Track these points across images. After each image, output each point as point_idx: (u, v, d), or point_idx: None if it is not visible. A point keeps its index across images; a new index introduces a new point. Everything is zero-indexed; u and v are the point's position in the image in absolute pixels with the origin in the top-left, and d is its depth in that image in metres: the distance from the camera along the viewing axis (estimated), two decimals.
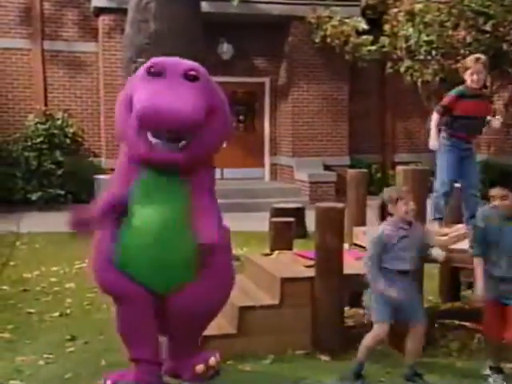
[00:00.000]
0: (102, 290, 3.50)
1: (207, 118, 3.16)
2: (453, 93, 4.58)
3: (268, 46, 12.78)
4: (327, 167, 12.50)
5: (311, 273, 4.29)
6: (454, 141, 4.63)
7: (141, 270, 3.26)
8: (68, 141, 11.61)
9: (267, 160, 13.15)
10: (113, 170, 13.62)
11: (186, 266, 3.26)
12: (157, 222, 3.20)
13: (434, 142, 4.61)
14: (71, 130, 11.70)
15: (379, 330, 3.57)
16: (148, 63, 3.22)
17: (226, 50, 12.40)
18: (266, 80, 13.13)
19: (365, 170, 5.83)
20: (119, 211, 3.25)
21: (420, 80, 10.61)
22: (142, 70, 3.24)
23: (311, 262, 4.43)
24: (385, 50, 11.07)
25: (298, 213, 8.34)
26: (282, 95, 12.86)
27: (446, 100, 4.60)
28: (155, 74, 3.16)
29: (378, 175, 13.11)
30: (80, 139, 12.05)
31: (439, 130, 4.68)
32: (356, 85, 12.96)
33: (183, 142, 3.16)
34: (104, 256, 3.33)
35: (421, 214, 4.17)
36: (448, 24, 9.88)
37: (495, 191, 3.58)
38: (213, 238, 3.18)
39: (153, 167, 3.21)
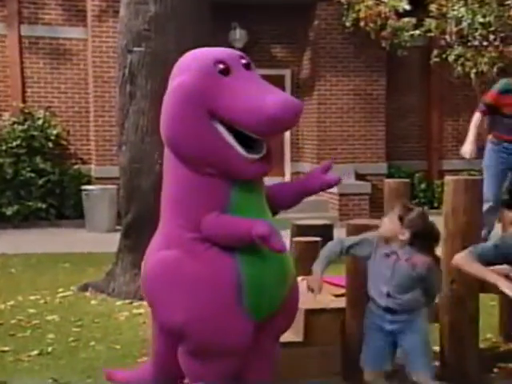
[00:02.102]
0: (214, 342, 3.12)
1: None
2: (496, 88, 4.53)
3: (289, 31, 12.85)
4: (360, 176, 12.49)
5: (342, 303, 4.29)
6: (504, 144, 4.60)
7: (270, 300, 3.21)
8: (50, 144, 11.73)
9: (288, 168, 13.18)
10: (104, 179, 13.79)
11: (288, 283, 3.33)
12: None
13: (467, 148, 4.55)
14: (54, 132, 11.82)
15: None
16: (209, 60, 3.05)
17: (238, 36, 12.49)
18: (287, 72, 13.18)
19: (406, 180, 5.81)
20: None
21: (474, 71, 10.60)
22: (204, 68, 3.04)
23: (342, 290, 4.42)
24: (430, 34, 11.08)
25: (326, 231, 8.33)
26: (306, 90, 12.90)
27: (488, 96, 4.56)
28: (224, 71, 3.03)
29: (423, 186, 13.08)
30: (65, 143, 12.17)
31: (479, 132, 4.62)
32: (395, 77, 12.96)
33: (265, 148, 3.13)
34: (228, 298, 3.07)
35: (476, 234, 4.15)
36: (509, 2, 9.86)
37: None
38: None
39: (242, 184, 3.12)
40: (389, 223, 3.54)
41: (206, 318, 3.06)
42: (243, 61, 3.14)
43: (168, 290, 3.10)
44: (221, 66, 3.03)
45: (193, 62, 3.15)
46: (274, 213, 3.40)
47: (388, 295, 3.54)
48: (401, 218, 3.49)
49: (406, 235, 3.48)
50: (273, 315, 3.26)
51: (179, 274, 3.08)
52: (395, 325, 3.56)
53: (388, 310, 3.56)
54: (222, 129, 3.00)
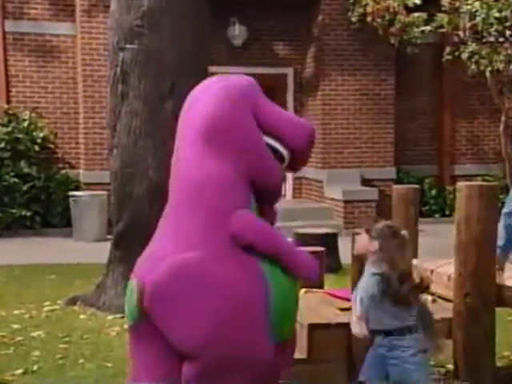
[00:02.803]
0: (243, 361, 2.95)
1: None
2: None
3: (291, 27, 12.88)
4: (367, 182, 12.50)
5: (347, 318, 4.28)
6: None
7: (287, 324, 3.15)
8: (36, 148, 11.74)
9: (290, 173, 13.18)
10: (94, 184, 13.76)
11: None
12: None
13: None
14: (41, 135, 11.83)
15: None
16: (244, 83, 3.31)
17: (238, 32, 12.52)
18: (289, 71, 13.21)
19: (416, 186, 5.82)
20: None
21: (489, 69, 10.61)
22: (253, 89, 3.32)
23: (347, 304, 4.42)
24: (442, 30, 11.10)
25: (330, 240, 8.34)
26: (310, 90, 12.93)
27: None
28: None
29: (433, 192, 13.09)
30: (52, 146, 12.18)
31: None
32: (404, 76, 12.99)
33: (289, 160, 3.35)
34: (259, 311, 2.93)
35: (490, 244, 4.16)
36: None
37: None
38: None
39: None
40: (359, 240, 3.67)
41: (235, 331, 2.88)
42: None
43: (194, 298, 2.87)
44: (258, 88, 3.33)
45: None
46: None
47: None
48: (368, 231, 3.60)
49: (375, 245, 3.54)
50: (288, 338, 3.21)
51: (208, 279, 2.89)
52: (383, 348, 3.58)
53: (373, 331, 3.60)
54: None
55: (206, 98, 3.19)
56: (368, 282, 3.52)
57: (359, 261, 4.22)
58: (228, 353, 2.89)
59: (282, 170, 3.25)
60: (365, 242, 3.61)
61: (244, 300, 2.89)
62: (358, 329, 3.55)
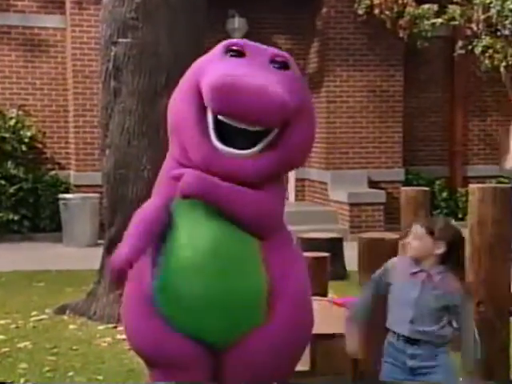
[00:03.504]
0: (135, 349, 3.34)
1: (295, 117, 3.19)
2: None
3: (294, 20, 12.90)
4: (374, 183, 12.51)
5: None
6: None
7: (194, 315, 3.15)
8: (24, 148, 11.74)
9: (292, 174, 13.19)
10: (85, 186, 13.77)
11: (255, 304, 3.20)
12: (214, 248, 3.12)
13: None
14: (28, 134, 11.83)
15: None
16: (225, 42, 3.33)
17: (237, 25, 12.53)
18: None
19: (426, 188, 5.81)
20: (159, 234, 3.17)
21: (503, 64, 10.61)
22: (216, 50, 3.33)
23: None
24: (454, 23, 11.10)
25: (335, 245, 8.35)
26: (313, 87, 12.93)
27: None
28: (236, 53, 3.25)
29: (444, 195, 13.09)
30: (40, 146, 12.19)
31: None
32: (414, 72, 13.00)
33: (259, 146, 3.15)
34: (139, 299, 3.18)
35: (505, 249, 4.15)
36: None
37: None
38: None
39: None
40: (417, 242, 3.50)
41: (125, 317, 3.32)
42: (277, 58, 3.29)
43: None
44: (232, 48, 3.23)
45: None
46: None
47: (411, 321, 3.46)
48: (430, 231, 3.47)
49: (441, 248, 3.44)
50: (227, 340, 3.18)
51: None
52: (416, 360, 3.48)
53: (409, 340, 3.49)
54: (204, 112, 3.15)
55: None
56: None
57: (370, 266, 4.22)
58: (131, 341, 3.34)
59: (212, 149, 3.12)
60: (425, 242, 3.46)
61: (128, 286, 3.22)
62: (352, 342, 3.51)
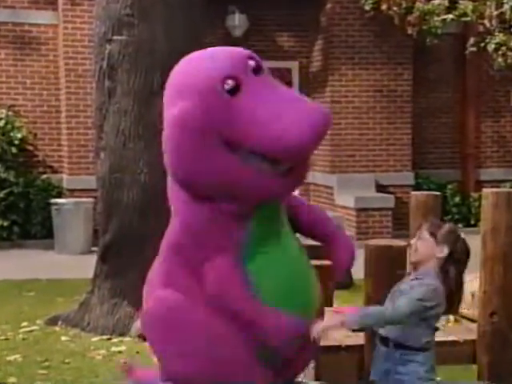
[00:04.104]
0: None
1: None
2: None
3: (297, 16, 12.90)
4: (381, 188, 12.50)
5: (359, 339, 4.28)
6: None
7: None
8: (14, 150, 11.74)
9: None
10: (79, 191, 13.63)
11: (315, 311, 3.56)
12: (294, 280, 3.46)
13: None
14: (19, 135, 11.83)
15: None
16: (214, 79, 3.10)
17: (237, 22, 12.54)
18: (294, 65, 13.22)
19: (436, 193, 5.82)
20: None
21: None
22: (214, 92, 3.10)
23: None
24: (466, 19, 11.10)
25: None
26: (317, 86, 12.94)
27: None
28: (233, 89, 3.11)
29: (456, 199, 13.08)
30: (31, 148, 12.19)
31: None
32: (423, 71, 13.00)
33: (286, 165, 3.21)
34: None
35: None
36: None
37: None
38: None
39: (262, 211, 3.29)
40: (421, 244, 3.56)
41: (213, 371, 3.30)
42: (251, 63, 3.20)
43: (167, 336, 3.33)
44: (229, 83, 3.09)
45: (194, 80, 3.17)
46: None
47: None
48: (433, 235, 3.53)
49: (444, 251, 3.50)
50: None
51: (180, 318, 3.30)
52: (389, 363, 3.53)
53: (384, 340, 3.56)
54: (241, 152, 3.12)
55: (168, 134, 3.39)
56: (424, 292, 3.42)
57: (377, 274, 4.23)
58: None
59: (267, 173, 3.16)
60: (428, 245, 3.53)
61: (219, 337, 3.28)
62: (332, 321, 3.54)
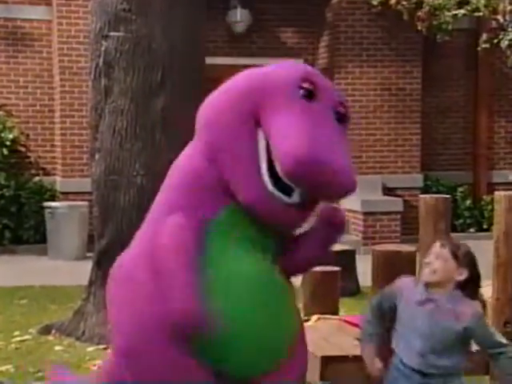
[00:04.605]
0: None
1: None
2: None
3: (302, 11, 12.92)
4: (389, 190, 12.51)
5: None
6: None
7: (237, 351, 3.19)
8: (5, 151, 11.75)
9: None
10: (73, 193, 13.61)
11: (290, 335, 3.34)
12: (256, 279, 3.21)
13: None
14: (10, 136, 11.85)
15: None
16: (297, 71, 3.14)
17: (239, 18, 12.54)
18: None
19: (447, 196, 5.82)
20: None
21: None
22: (287, 77, 3.12)
23: None
24: (478, 14, 11.11)
25: (346, 258, 8.34)
26: None
27: None
28: (308, 94, 3.08)
29: (467, 203, 13.08)
30: (23, 149, 12.20)
31: None
32: (433, 68, 13.01)
33: (297, 193, 3.12)
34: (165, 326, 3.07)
35: None
36: None
37: None
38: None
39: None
40: (441, 264, 3.49)
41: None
42: (340, 109, 3.17)
43: (117, 300, 3.22)
44: (307, 85, 3.07)
45: (275, 77, 3.17)
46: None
47: (422, 355, 3.48)
48: (455, 256, 3.48)
49: (463, 274, 3.46)
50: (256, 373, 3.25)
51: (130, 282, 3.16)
52: None
53: (419, 372, 3.51)
54: (262, 144, 3.05)
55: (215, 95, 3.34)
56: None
57: (385, 282, 4.23)
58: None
59: (267, 193, 3.06)
60: (450, 266, 3.47)
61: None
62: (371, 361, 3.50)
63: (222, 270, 3.14)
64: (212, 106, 3.21)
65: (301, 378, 3.46)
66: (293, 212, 3.13)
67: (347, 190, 3.07)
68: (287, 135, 2.95)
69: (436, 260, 3.49)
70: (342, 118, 3.17)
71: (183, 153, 3.33)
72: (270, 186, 3.06)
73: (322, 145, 2.96)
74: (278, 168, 2.99)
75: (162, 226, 3.13)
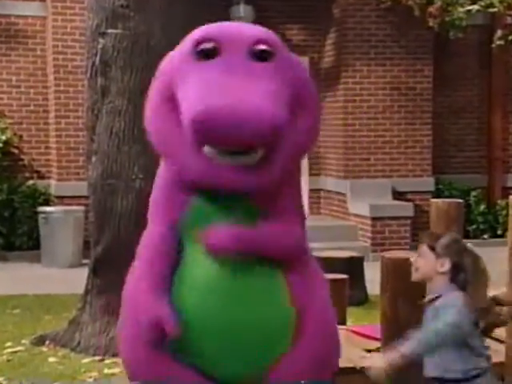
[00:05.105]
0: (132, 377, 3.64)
1: (292, 116, 3.29)
2: None
3: (307, 7, 12.94)
4: (399, 194, 12.51)
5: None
6: None
7: (209, 349, 3.38)
8: None
9: (305, 184, 13.20)
10: (68, 198, 13.67)
11: (280, 335, 3.44)
12: (229, 276, 3.35)
13: None
14: (3, 137, 11.86)
15: None
16: (194, 35, 3.39)
17: (243, 13, 12.57)
18: (304, 60, 13.23)
19: (459, 200, 5.83)
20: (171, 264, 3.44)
21: None
22: (184, 47, 3.40)
23: (376, 344, 4.43)
24: (493, 10, 11.11)
25: (354, 266, 8.34)
26: (329, 84, 12.96)
27: None
28: (207, 53, 3.30)
29: (481, 208, 13.07)
30: (16, 151, 12.21)
31: None
32: (445, 66, 13.01)
33: (259, 154, 3.24)
34: (147, 330, 3.37)
35: None
36: None
37: None
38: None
39: (210, 191, 3.34)
40: (421, 261, 3.56)
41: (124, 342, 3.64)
42: (257, 47, 3.31)
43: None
44: (205, 46, 3.29)
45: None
46: None
47: (430, 362, 3.52)
48: (432, 248, 3.51)
49: (445, 265, 3.47)
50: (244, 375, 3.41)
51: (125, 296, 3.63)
52: None
53: (435, 380, 3.53)
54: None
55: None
56: (452, 313, 3.36)
57: (394, 290, 4.23)
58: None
59: (205, 161, 3.25)
60: (427, 260, 3.51)
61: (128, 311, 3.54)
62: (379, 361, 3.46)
63: (187, 272, 3.39)
64: (148, 97, 3.55)
65: (319, 362, 3.54)
66: (254, 176, 3.23)
67: (259, 127, 3.09)
68: (185, 102, 3.19)
69: (418, 258, 3.58)
70: (266, 56, 3.32)
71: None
72: (213, 154, 3.22)
73: (218, 96, 3.10)
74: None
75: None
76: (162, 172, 3.54)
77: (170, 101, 3.33)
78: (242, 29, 3.47)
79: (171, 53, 3.52)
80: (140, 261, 3.46)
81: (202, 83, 3.19)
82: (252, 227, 3.33)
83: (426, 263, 3.53)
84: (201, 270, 3.35)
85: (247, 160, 3.22)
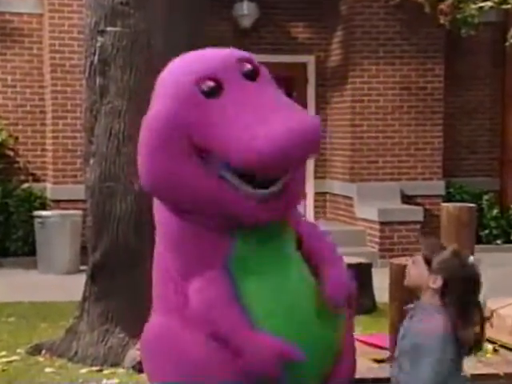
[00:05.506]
0: None
1: None
2: None
3: (313, 4, 12.94)
4: (408, 198, 12.50)
5: (384, 371, 4.28)
6: None
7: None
8: None
9: (311, 187, 13.21)
10: (65, 201, 13.61)
11: (338, 347, 3.64)
12: (292, 304, 3.50)
13: None
14: None
15: None
16: (187, 78, 3.31)
17: (246, 11, 12.57)
18: (310, 60, 13.25)
19: (471, 205, 5.84)
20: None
21: None
22: (182, 91, 3.32)
23: (385, 353, 4.43)
24: (507, 7, 11.11)
25: (362, 272, 8.33)
26: (336, 84, 12.96)
27: None
28: (209, 92, 3.29)
29: (494, 212, 13.06)
30: (11, 153, 12.23)
31: None
32: (457, 65, 13.02)
33: (280, 183, 3.34)
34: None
35: None
36: None
37: None
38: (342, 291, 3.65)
39: (249, 231, 3.42)
40: (413, 269, 3.57)
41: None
42: (246, 67, 3.37)
43: (156, 364, 3.53)
44: (207, 85, 3.27)
45: (172, 80, 3.39)
46: None
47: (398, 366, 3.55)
48: (427, 260, 3.48)
49: (437, 282, 3.43)
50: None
51: (166, 346, 3.47)
52: None
53: None
54: (216, 164, 3.26)
55: (140, 137, 3.69)
56: (432, 363, 3.32)
57: (403, 298, 4.23)
58: None
59: (249, 197, 3.30)
60: (420, 271, 3.50)
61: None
62: None
63: (260, 300, 3.43)
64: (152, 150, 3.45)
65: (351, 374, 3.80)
66: (275, 203, 3.35)
67: (317, 139, 3.24)
68: (232, 139, 3.12)
69: (412, 265, 3.60)
70: (252, 75, 3.36)
71: None
72: (248, 189, 3.28)
73: (273, 123, 3.10)
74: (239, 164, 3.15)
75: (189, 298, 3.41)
76: (181, 226, 3.46)
77: (190, 147, 3.28)
78: (223, 54, 3.47)
79: (164, 103, 3.39)
80: (217, 317, 3.40)
81: (239, 116, 3.18)
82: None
83: (419, 274, 3.52)
84: (269, 294, 3.47)
85: (272, 191, 3.34)
